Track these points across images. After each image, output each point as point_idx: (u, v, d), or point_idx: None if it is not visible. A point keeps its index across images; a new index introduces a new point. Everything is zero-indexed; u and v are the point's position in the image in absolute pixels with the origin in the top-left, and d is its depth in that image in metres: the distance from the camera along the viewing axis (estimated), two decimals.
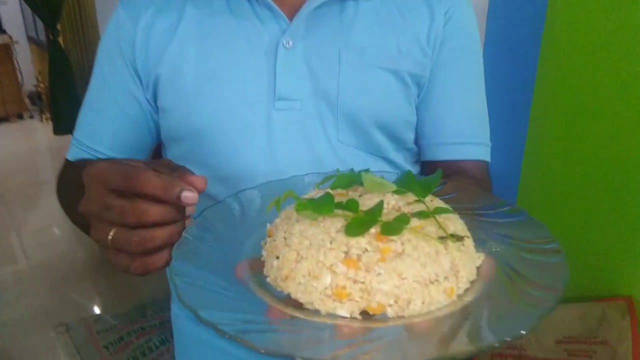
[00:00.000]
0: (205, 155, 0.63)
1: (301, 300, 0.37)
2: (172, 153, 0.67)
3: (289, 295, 0.38)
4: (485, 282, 0.37)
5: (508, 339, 0.29)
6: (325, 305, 0.36)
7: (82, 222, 0.51)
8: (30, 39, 5.54)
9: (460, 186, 0.52)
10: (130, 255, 0.38)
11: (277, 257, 0.39)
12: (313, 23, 0.62)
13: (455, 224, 0.41)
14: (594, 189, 1.28)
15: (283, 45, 0.61)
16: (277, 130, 0.62)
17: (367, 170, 0.46)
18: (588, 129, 1.26)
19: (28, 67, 5.36)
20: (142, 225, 0.37)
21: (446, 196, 0.47)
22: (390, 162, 0.67)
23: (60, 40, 3.48)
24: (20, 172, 3.92)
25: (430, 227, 0.39)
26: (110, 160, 0.40)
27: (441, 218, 0.40)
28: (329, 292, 0.36)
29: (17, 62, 5.05)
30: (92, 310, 2.20)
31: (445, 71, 0.66)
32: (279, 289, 0.38)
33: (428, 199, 0.42)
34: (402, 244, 0.37)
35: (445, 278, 0.37)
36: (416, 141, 0.69)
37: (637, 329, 1.21)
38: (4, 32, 4.96)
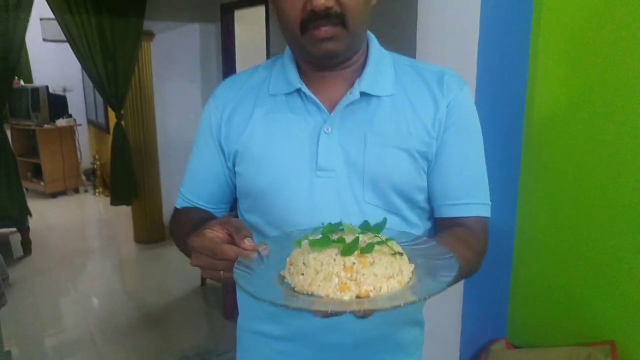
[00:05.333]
0: (265, 208, 0.85)
1: (320, 294, 0.63)
2: (243, 205, 0.91)
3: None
4: (415, 277, 0.67)
5: (431, 295, 0.59)
6: (335, 295, 0.62)
7: (187, 252, 0.75)
8: (89, 122, 6.21)
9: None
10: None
11: (302, 274, 0.66)
12: (346, 115, 0.82)
13: (397, 247, 0.69)
14: (578, 241, 1.50)
15: (324, 131, 0.82)
16: (317, 192, 0.82)
17: (339, 223, 0.73)
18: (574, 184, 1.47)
19: (86, 147, 6.08)
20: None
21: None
22: (405, 218, 0.85)
23: (122, 123, 3.90)
24: (73, 239, 4.38)
25: (385, 248, 0.68)
26: (203, 235, 0.68)
27: (391, 243, 0.69)
28: (337, 287, 0.63)
29: (78, 142, 5.74)
30: None
31: (449, 148, 0.83)
32: (304, 292, 0.64)
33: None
34: (373, 258, 0.65)
35: (398, 274, 0.65)
36: (429, 202, 0.87)
37: None
38: (69, 116, 5.65)
